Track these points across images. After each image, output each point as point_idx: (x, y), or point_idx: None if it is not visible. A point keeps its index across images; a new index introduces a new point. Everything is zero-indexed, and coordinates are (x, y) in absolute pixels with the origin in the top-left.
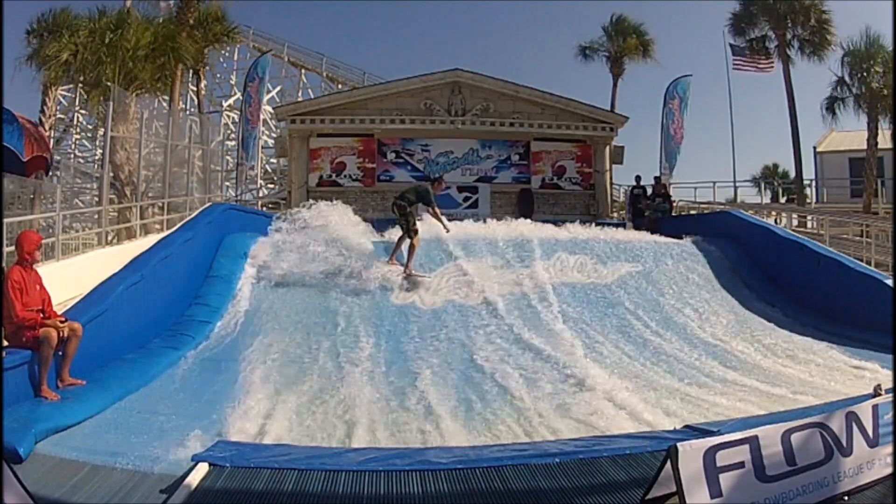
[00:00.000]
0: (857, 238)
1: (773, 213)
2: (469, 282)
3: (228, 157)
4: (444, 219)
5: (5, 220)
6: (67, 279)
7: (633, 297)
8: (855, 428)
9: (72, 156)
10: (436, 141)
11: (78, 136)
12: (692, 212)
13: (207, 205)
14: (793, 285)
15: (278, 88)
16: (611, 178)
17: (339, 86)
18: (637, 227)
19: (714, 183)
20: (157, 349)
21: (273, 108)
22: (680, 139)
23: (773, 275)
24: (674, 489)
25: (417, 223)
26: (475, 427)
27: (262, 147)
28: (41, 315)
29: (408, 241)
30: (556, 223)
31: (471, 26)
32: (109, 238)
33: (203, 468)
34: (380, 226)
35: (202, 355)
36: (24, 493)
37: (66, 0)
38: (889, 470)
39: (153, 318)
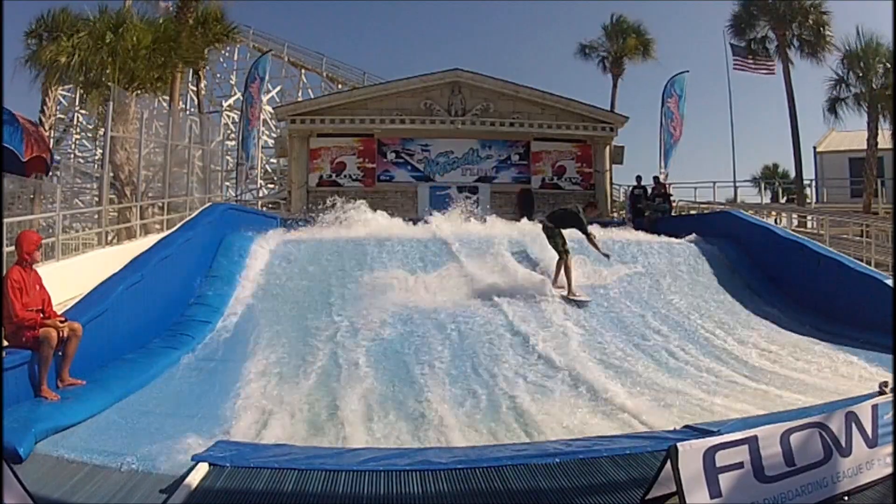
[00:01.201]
0: (857, 238)
1: (773, 213)
2: (470, 281)
3: (228, 157)
4: (600, 246)
5: (5, 220)
6: (67, 279)
7: (633, 297)
8: (854, 428)
9: (72, 156)
10: (436, 141)
11: (78, 136)
12: (692, 212)
13: (207, 205)
14: (793, 285)
15: (278, 88)
16: (611, 178)
17: (339, 86)
18: (637, 228)
19: (714, 183)
20: (157, 349)
21: (273, 108)
22: (679, 136)
23: (773, 275)
24: (674, 489)
25: (565, 241)
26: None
27: (262, 147)
28: (41, 315)
29: (563, 262)
30: None
31: (471, 26)
32: (109, 238)
33: (203, 468)
34: None
35: (202, 355)
36: (24, 493)
37: (67, 0)
38: (889, 470)
39: (153, 318)
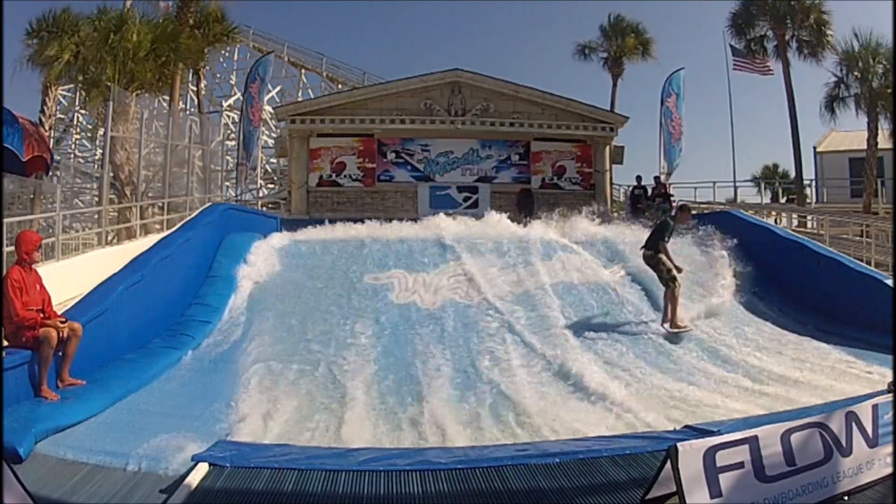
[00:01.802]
0: (857, 238)
1: (773, 213)
2: (469, 281)
3: (228, 157)
4: (672, 259)
5: (5, 220)
6: (67, 279)
7: (633, 296)
8: (855, 428)
9: (72, 156)
10: (436, 141)
11: (78, 136)
12: (692, 212)
13: (207, 205)
14: (793, 285)
15: (278, 88)
16: (611, 178)
17: (339, 86)
18: None
19: (714, 183)
20: (157, 349)
21: (273, 108)
22: (679, 136)
23: (773, 275)
24: (674, 489)
25: (672, 268)
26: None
27: (262, 147)
28: (41, 315)
29: (670, 292)
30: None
31: (471, 26)
32: (109, 238)
33: (203, 468)
34: None
35: (202, 355)
36: (24, 493)
37: (67, 0)
38: (889, 470)
39: (153, 318)
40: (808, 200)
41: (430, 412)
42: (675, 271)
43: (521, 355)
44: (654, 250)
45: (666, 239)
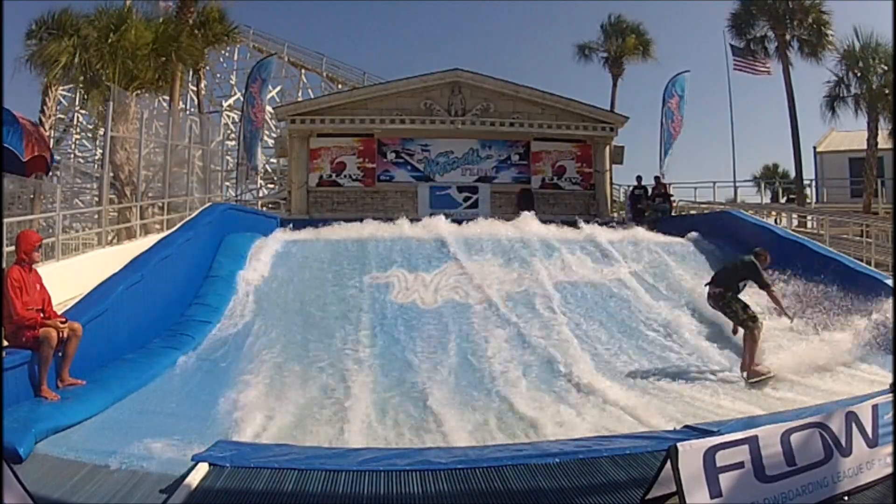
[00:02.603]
0: (857, 238)
1: (773, 213)
2: (469, 281)
3: (228, 157)
4: (783, 303)
5: (5, 220)
6: (67, 279)
7: (633, 295)
8: (854, 428)
9: (72, 156)
10: (436, 141)
11: (78, 136)
12: (692, 212)
13: (207, 205)
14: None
15: (278, 88)
16: (611, 178)
17: (339, 86)
18: (638, 226)
19: (714, 183)
20: (157, 349)
21: (273, 108)
22: (676, 136)
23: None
24: (674, 489)
25: (746, 306)
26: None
27: (262, 147)
28: (41, 315)
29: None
30: (556, 223)
31: (471, 26)
32: (109, 238)
33: (203, 468)
34: None
35: (202, 355)
36: (24, 493)
37: (67, 0)
38: (889, 470)
39: (153, 318)
40: (808, 200)
41: (431, 411)
42: (751, 309)
43: None
44: (723, 287)
45: (743, 286)
